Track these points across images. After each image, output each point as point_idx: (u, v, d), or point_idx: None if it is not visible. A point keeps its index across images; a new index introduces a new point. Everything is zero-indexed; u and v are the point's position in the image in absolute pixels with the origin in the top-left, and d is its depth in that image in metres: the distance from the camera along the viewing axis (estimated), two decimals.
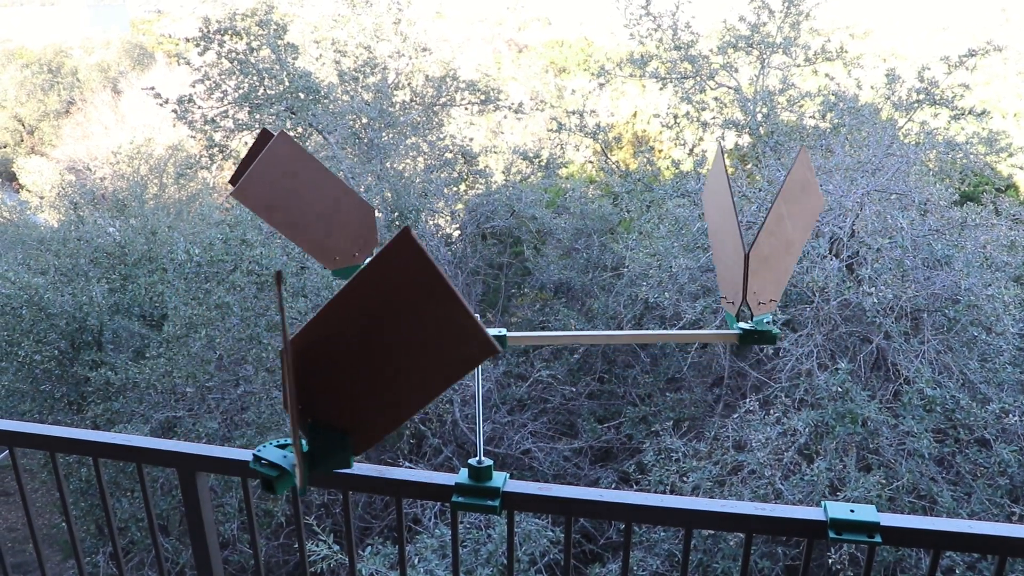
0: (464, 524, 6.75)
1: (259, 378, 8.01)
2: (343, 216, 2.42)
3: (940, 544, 2.06)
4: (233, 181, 2.38)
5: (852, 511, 2.04)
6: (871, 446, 6.93)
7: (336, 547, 5.94)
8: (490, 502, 2.17)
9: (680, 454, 7.17)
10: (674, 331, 2.16)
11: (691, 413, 9.16)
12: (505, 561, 6.40)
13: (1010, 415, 6.62)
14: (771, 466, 6.62)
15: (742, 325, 2.23)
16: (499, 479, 2.19)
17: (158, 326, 9.78)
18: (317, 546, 5.99)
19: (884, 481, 6.42)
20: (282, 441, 1.74)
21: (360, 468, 2.31)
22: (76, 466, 8.00)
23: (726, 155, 11.11)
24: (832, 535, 2.02)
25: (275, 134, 2.34)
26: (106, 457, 2.56)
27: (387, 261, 1.29)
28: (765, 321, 2.21)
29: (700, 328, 8.91)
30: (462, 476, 2.20)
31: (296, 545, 6.61)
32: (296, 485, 1.55)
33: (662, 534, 7.24)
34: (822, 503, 2.09)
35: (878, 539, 2.00)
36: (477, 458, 2.20)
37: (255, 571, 2.61)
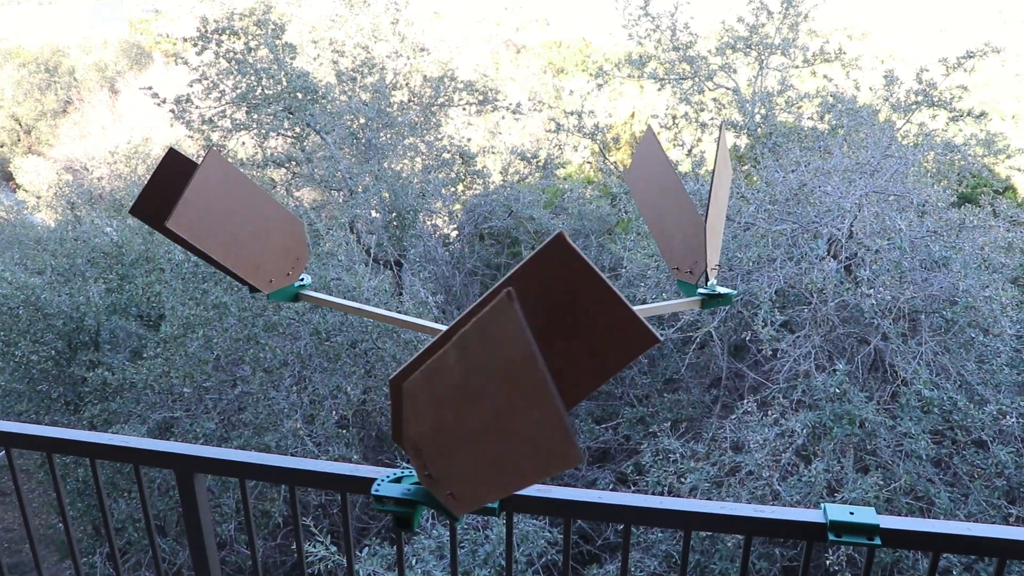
0: (462, 526, 6.73)
1: (256, 378, 7.99)
2: (275, 234, 2.35)
3: (939, 546, 2.06)
4: (136, 210, 2.30)
5: (852, 513, 2.04)
6: (869, 447, 6.93)
7: (333, 548, 5.92)
8: (489, 504, 2.16)
9: (678, 455, 7.16)
10: (642, 306, 2.18)
11: (689, 414, 9.16)
12: (503, 562, 6.40)
13: (1007, 416, 6.62)
14: (769, 467, 6.62)
15: (703, 291, 2.32)
16: None
17: (155, 326, 9.77)
18: (314, 547, 5.98)
19: (882, 482, 6.42)
20: (395, 474, 1.73)
21: (359, 469, 2.30)
22: (73, 466, 7.98)
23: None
24: (832, 537, 2.01)
25: (180, 154, 2.28)
26: (103, 458, 2.56)
27: (542, 267, 1.26)
28: (717, 286, 2.33)
29: (698, 329, 8.92)
30: None
31: (294, 546, 6.60)
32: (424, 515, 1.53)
33: (659, 535, 7.23)
34: (821, 505, 2.08)
35: (878, 541, 2.00)
36: None
37: (252, 571, 2.60)
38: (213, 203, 2.12)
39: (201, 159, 2.08)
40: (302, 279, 2.44)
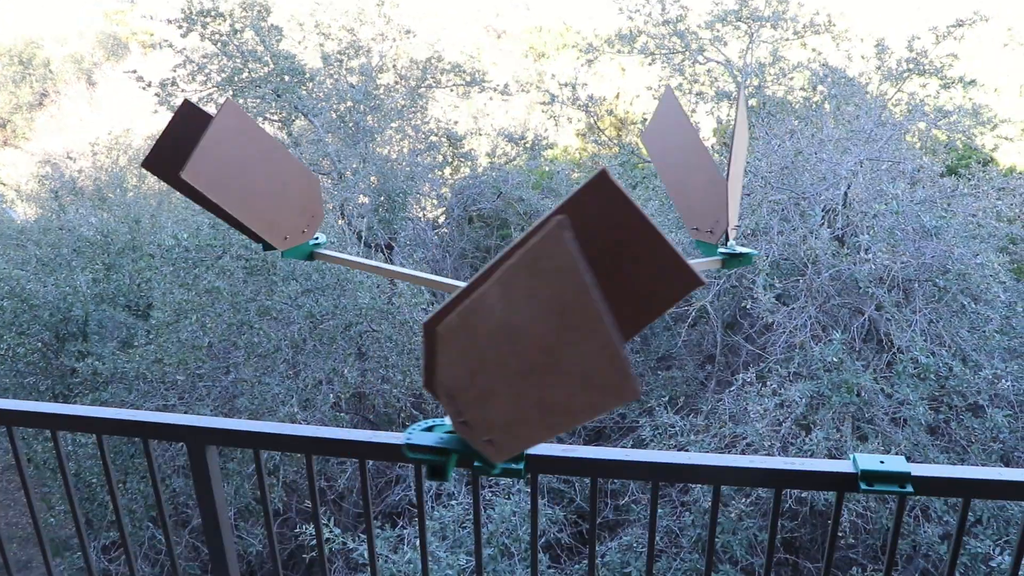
0: (463, 505, 6.71)
1: (250, 364, 7.93)
2: (291, 190, 2.28)
3: (969, 492, 2.04)
4: (148, 163, 2.23)
5: (882, 462, 2.01)
6: (867, 416, 6.96)
7: (337, 531, 5.89)
8: (514, 465, 2.12)
9: (677, 429, 7.17)
10: None
11: (684, 391, 9.17)
12: (507, 541, 6.38)
13: (1002, 380, 6.67)
14: (769, 437, 6.63)
15: (723, 250, 2.25)
16: None
17: (144, 315, 9.67)
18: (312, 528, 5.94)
19: (881, 449, 6.45)
20: (427, 424, 1.65)
21: (378, 435, 2.25)
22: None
23: (717, 128, 11.10)
24: (864, 487, 1.99)
25: (195, 106, 2.20)
26: (111, 434, 2.49)
27: (584, 204, 1.21)
28: (737, 246, 2.26)
29: (691, 304, 8.90)
30: None
31: (294, 530, 6.56)
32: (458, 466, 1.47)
33: (660, 511, 7.24)
34: (851, 455, 2.06)
35: (909, 489, 1.98)
36: None
37: (269, 546, 2.55)
38: (229, 155, 2.04)
39: (217, 110, 2.01)
40: (317, 238, 2.38)
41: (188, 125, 2.14)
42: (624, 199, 1.22)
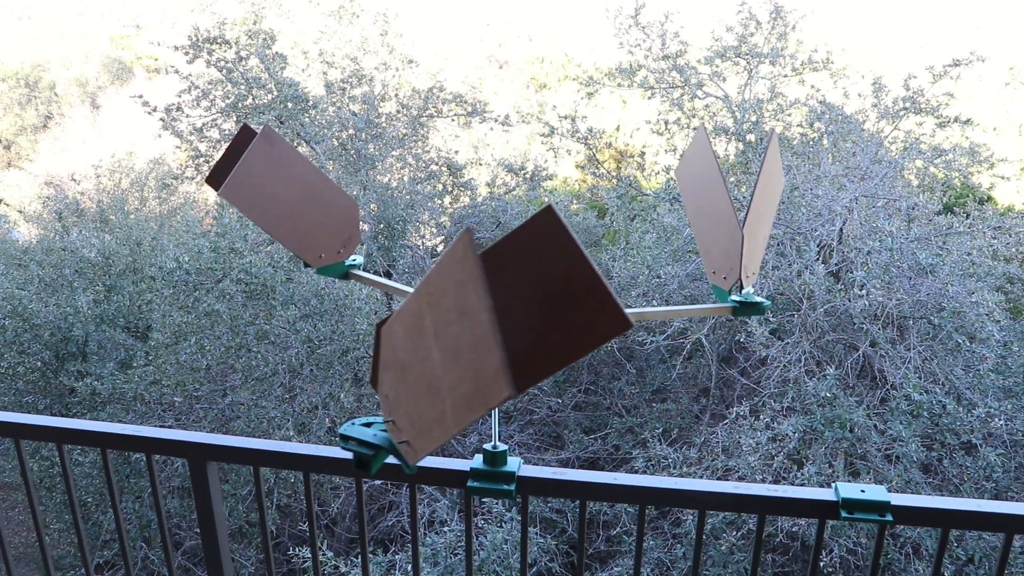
0: (455, 532, 6.72)
1: (248, 388, 7.97)
2: (327, 212, 2.40)
3: (949, 522, 2.10)
4: (210, 179, 2.38)
5: (863, 491, 2.07)
6: (859, 451, 6.99)
7: (330, 553, 5.90)
8: (505, 486, 2.17)
9: (670, 461, 7.20)
10: (668, 308, 2.22)
11: (678, 423, 9.19)
12: (497, 569, 6.38)
13: (996, 419, 6.71)
14: (761, 471, 6.66)
15: (735, 298, 2.29)
16: (514, 464, 2.20)
17: (143, 337, 9.72)
18: (307, 552, 5.95)
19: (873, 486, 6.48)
20: (367, 420, 1.70)
21: None
22: (59, 479, 7.91)
23: (718, 162, 11.18)
24: (844, 515, 2.05)
25: (252, 130, 2.32)
26: (115, 448, 2.55)
27: (528, 236, 1.29)
28: (752, 294, 2.29)
29: (687, 337, 8.97)
30: (477, 461, 2.21)
31: (289, 551, 6.56)
32: (387, 462, 1.51)
33: (651, 543, 7.26)
34: (833, 484, 2.12)
35: (889, 518, 2.03)
36: (492, 443, 2.20)
37: (264, 554, 2.60)
38: (266, 176, 2.20)
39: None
40: (353, 259, 2.49)
41: (244, 146, 2.28)
42: (566, 235, 1.27)
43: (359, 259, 2.50)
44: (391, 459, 1.78)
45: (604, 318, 1.29)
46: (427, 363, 1.30)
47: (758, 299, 2.30)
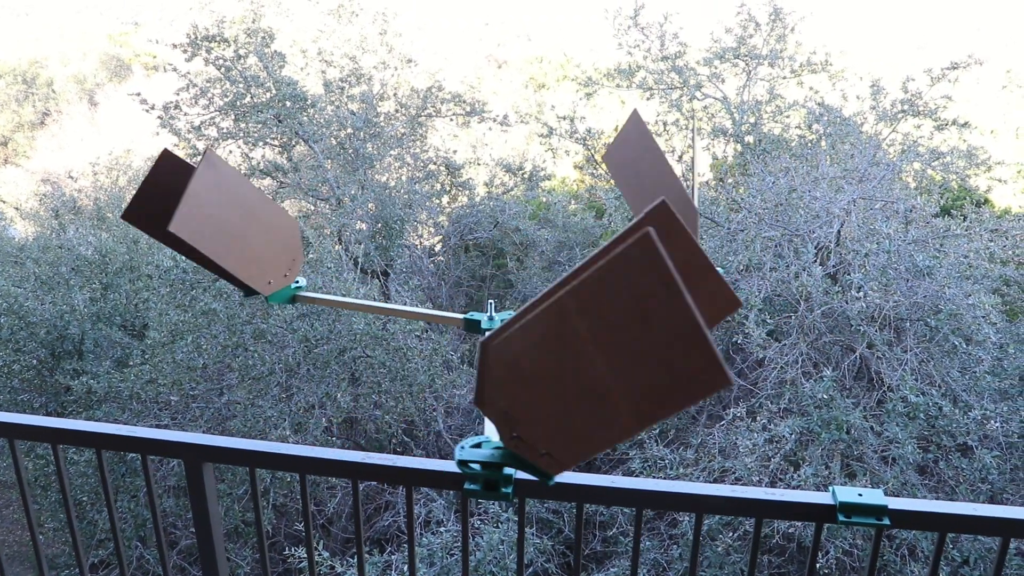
0: (451, 533, 6.71)
1: (244, 387, 7.95)
2: (273, 235, 2.32)
3: (946, 526, 2.10)
4: (129, 214, 2.24)
5: (860, 495, 2.07)
6: (856, 453, 6.99)
7: (325, 553, 5.89)
8: (503, 489, 2.17)
9: (667, 462, 7.20)
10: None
11: (674, 424, 9.19)
12: (493, 569, 6.38)
13: (992, 421, 6.71)
14: (758, 472, 6.66)
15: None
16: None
17: (139, 335, 9.70)
18: (303, 552, 5.93)
19: (870, 487, 6.48)
20: (474, 440, 1.65)
21: (371, 457, 2.31)
22: (54, 478, 7.89)
23: (713, 164, 11.21)
24: (841, 518, 2.04)
25: (174, 156, 2.22)
26: (110, 449, 2.54)
27: (624, 266, 1.15)
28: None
29: None
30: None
31: (285, 551, 6.55)
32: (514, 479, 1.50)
33: (647, 543, 7.25)
34: (830, 487, 2.12)
35: (886, 521, 2.03)
36: None
37: (260, 553, 2.59)
38: (213, 205, 2.08)
39: (199, 159, 2.04)
40: (298, 281, 2.43)
41: (168, 174, 2.18)
42: (665, 269, 1.13)
43: (303, 280, 2.44)
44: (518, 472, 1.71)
45: (701, 375, 1.18)
46: (583, 371, 1.25)
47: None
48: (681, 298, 1.10)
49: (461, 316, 2.24)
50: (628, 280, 1.14)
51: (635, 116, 2.37)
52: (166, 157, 2.21)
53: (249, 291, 2.34)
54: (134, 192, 2.21)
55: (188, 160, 11.96)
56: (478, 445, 1.65)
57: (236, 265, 2.19)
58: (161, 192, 2.19)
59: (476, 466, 1.61)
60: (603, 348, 1.20)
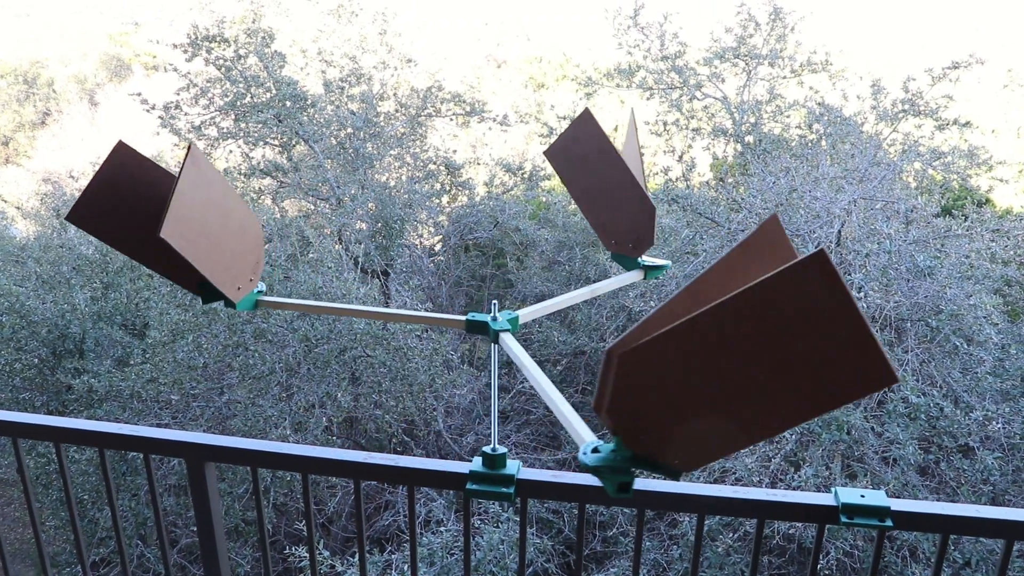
0: (451, 533, 6.72)
1: (245, 386, 7.95)
2: (243, 237, 2.23)
3: (949, 528, 2.09)
4: (75, 215, 2.06)
5: (863, 496, 2.07)
6: (856, 454, 6.99)
7: (326, 553, 5.89)
8: (504, 489, 2.17)
9: None
10: (572, 293, 2.26)
11: None
12: (494, 569, 6.38)
13: (993, 422, 6.71)
14: (758, 473, 6.66)
15: (644, 262, 2.46)
16: (513, 467, 2.19)
17: (140, 334, 9.70)
18: (303, 551, 5.94)
19: (871, 488, 6.48)
20: (591, 445, 1.64)
21: (372, 456, 2.31)
22: (55, 476, 7.89)
23: (713, 163, 11.21)
24: (844, 520, 2.04)
25: (130, 148, 2.07)
26: (112, 448, 2.54)
27: (795, 279, 1.22)
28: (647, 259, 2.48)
29: None
30: (476, 464, 2.20)
31: (286, 551, 6.56)
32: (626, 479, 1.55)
33: (647, 544, 7.25)
34: (832, 489, 2.11)
35: (889, 523, 2.03)
36: (491, 445, 2.20)
37: (261, 552, 2.59)
38: (197, 206, 1.98)
39: (182, 158, 1.92)
40: (260, 286, 2.31)
41: (122, 169, 2.06)
42: (839, 282, 1.20)
43: (263, 285, 2.34)
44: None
45: (867, 371, 1.27)
46: (738, 375, 1.33)
47: (660, 262, 2.47)
48: (853, 308, 1.20)
49: (463, 318, 2.22)
50: (800, 291, 1.22)
51: (586, 114, 2.37)
52: (121, 151, 2.06)
53: (209, 298, 2.19)
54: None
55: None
56: (596, 450, 1.62)
57: (213, 270, 2.04)
58: (115, 191, 2.05)
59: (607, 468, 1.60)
60: (765, 353, 1.29)
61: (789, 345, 1.27)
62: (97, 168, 2.04)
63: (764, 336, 1.28)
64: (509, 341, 2.06)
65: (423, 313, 2.28)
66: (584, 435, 1.70)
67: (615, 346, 1.38)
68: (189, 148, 1.93)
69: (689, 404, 1.41)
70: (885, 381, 1.24)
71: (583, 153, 2.44)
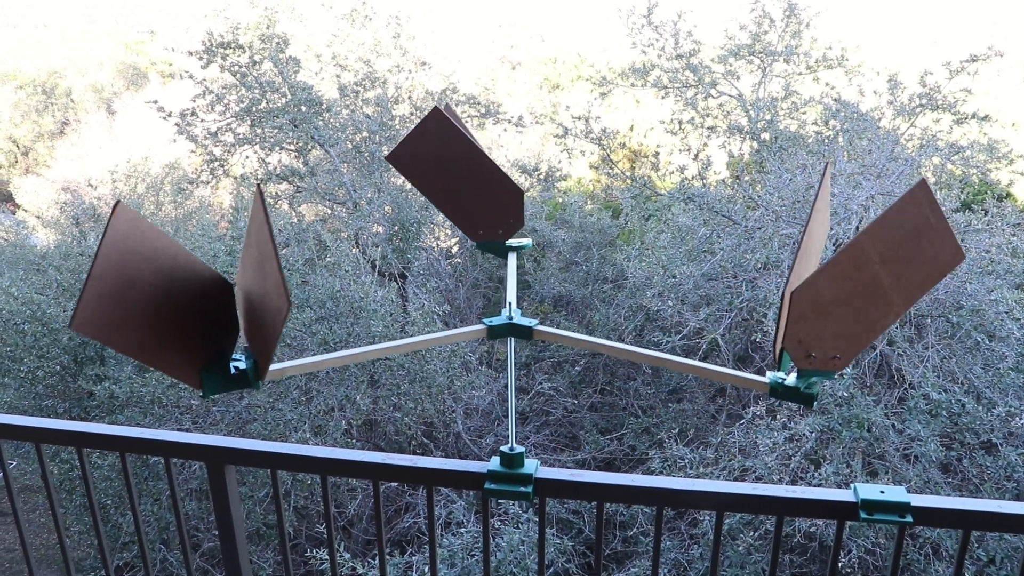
0: (471, 534, 6.72)
1: (264, 390, 7.99)
2: (491, 192, 2.49)
3: (971, 524, 2.08)
4: (392, 156, 2.42)
5: (882, 492, 2.05)
6: (877, 451, 6.94)
7: (347, 555, 5.91)
8: (523, 488, 2.17)
9: (687, 461, 7.18)
10: (706, 365, 2.24)
11: (694, 424, 9.17)
12: (514, 570, 6.38)
13: (1016, 418, 6.64)
14: (778, 471, 6.63)
15: (778, 375, 1.99)
16: (531, 466, 2.19)
17: None
18: (324, 553, 5.96)
19: (892, 485, 6.43)
20: (779, 375, 1.99)
21: (392, 457, 2.32)
22: (79, 482, 7.96)
23: (729, 161, 11.17)
24: (863, 516, 2.03)
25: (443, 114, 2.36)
26: (134, 452, 2.56)
27: (904, 209, 1.72)
28: (812, 379, 1.93)
29: (703, 337, 8.93)
30: (494, 464, 2.20)
31: (307, 553, 6.58)
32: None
33: (668, 543, 7.24)
34: (852, 485, 2.10)
35: (909, 519, 2.01)
36: (509, 445, 2.20)
37: (282, 555, 2.60)
38: (431, 150, 2.37)
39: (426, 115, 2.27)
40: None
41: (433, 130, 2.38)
42: (934, 205, 1.74)
43: (528, 242, 2.60)
44: None
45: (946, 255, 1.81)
46: (870, 283, 1.77)
47: (806, 384, 2.03)
48: (943, 220, 1.75)
49: (482, 326, 2.22)
50: (911, 213, 1.73)
51: (435, 113, 2.38)
52: (436, 114, 2.37)
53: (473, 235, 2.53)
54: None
55: (199, 168, 11.91)
56: (786, 374, 1.97)
57: (450, 210, 2.49)
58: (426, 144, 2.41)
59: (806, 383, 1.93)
60: (887, 262, 1.75)
61: (903, 253, 1.76)
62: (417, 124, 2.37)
63: (889, 248, 1.74)
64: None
65: (438, 334, 2.26)
66: (757, 377, 2.08)
67: (790, 288, 1.79)
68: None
69: (840, 313, 1.78)
70: (958, 260, 1.81)
71: (435, 151, 2.45)
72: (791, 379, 1.97)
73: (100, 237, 1.68)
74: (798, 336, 1.82)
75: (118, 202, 1.61)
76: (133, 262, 1.64)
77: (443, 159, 2.45)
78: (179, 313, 1.73)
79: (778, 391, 1.98)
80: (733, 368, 9.19)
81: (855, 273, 1.77)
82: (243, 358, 1.86)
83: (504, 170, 2.43)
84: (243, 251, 1.74)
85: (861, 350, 1.85)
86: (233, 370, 1.83)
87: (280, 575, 8.09)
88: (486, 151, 2.39)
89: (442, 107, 2.41)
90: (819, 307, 1.78)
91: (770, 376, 2.00)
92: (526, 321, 2.25)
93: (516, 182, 2.45)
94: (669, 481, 2.19)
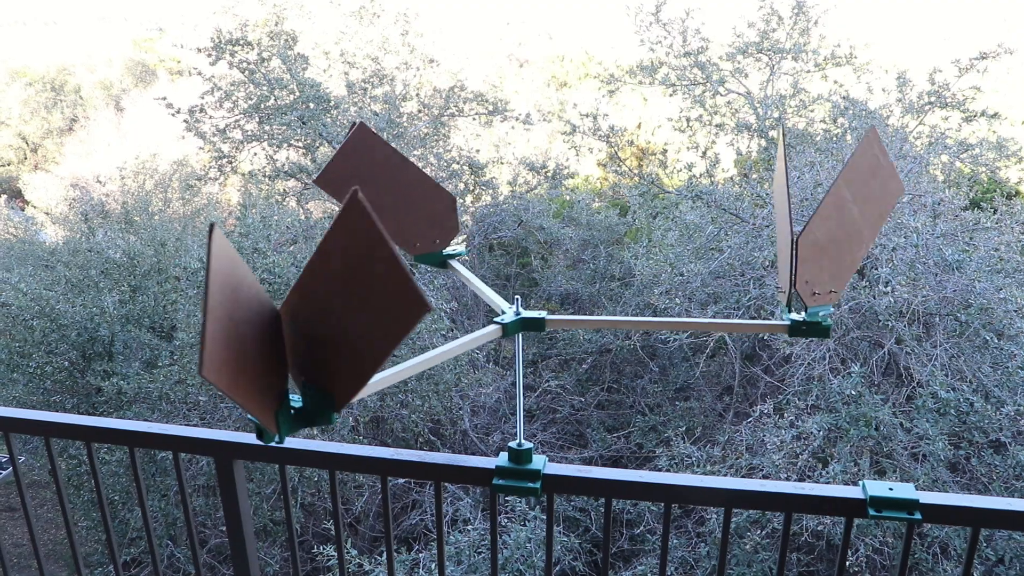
0: (478, 531, 6.73)
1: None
2: (424, 204, 2.46)
3: (980, 521, 2.07)
4: (319, 180, 2.37)
5: (891, 489, 2.04)
6: (885, 450, 6.92)
7: (354, 551, 5.92)
8: (531, 484, 2.17)
9: (694, 459, 7.17)
10: (722, 320, 2.30)
11: (701, 422, 9.16)
12: (520, 568, 6.39)
13: None
14: (786, 469, 6.62)
15: (792, 316, 2.11)
16: (539, 462, 2.20)
17: (168, 336, 9.80)
18: (331, 550, 5.97)
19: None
20: (794, 316, 2.12)
21: (400, 453, 2.32)
22: (87, 477, 7.99)
23: (737, 159, 11.14)
24: (872, 513, 2.02)
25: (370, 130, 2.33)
26: (142, 446, 2.57)
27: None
28: (820, 314, 2.08)
29: (711, 335, 8.92)
30: (502, 459, 2.20)
31: (314, 549, 6.59)
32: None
33: (675, 541, 7.23)
34: (860, 482, 2.09)
35: (918, 516, 2.00)
36: (517, 441, 2.20)
37: (290, 551, 2.61)
38: (359, 169, 2.33)
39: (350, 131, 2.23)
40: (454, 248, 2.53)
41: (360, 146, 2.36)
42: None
43: (462, 249, 2.62)
44: None
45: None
46: (850, 224, 2.03)
47: (816, 319, 2.14)
48: (888, 158, 2.09)
49: (496, 326, 2.21)
50: (867, 156, 2.05)
51: (360, 129, 2.34)
52: (361, 130, 2.33)
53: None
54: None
55: (207, 165, 11.91)
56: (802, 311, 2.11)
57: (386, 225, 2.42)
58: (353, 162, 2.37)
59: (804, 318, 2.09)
60: (858, 201, 2.03)
61: (867, 196, 2.08)
62: None
63: (858, 187, 2.07)
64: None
65: (457, 342, 2.18)
66: (774, 321, 2.22)
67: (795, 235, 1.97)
68: (358, 124, 2.26)
69: (832, 250, 2.04)
70: (900, 190, 2.16)
71: (362, 168, 2.40)
72: (804, 316, 2.14)
73: (205, 265, 1.46)
74: (805, 276, 2.01)
75: (212, 224, 1.35)
76: (232, 293, 1.45)
77: (372, 176, 2.41)
78: (262, 346, 1.54)
79: (800, 328, 2.12)
80: (740, 366, 9.21)
81: (838, 214, 2.03)
82: (298, 396, 1.67)
83: (433, 179, 2.44)
84: (306, 268, 1.50)
85: (847, 281, 2.10)
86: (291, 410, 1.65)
87: (287, 572, 8.09)
88: (414, 161, 2.39)
89: (369, 124, 2.41)
90: (817, 248, 2.00)
91: (786, 317, 2.16)
92: (535, 314, 2.26)
93: (446, 189, 2.43)
94: (677, 477, 2.18)
